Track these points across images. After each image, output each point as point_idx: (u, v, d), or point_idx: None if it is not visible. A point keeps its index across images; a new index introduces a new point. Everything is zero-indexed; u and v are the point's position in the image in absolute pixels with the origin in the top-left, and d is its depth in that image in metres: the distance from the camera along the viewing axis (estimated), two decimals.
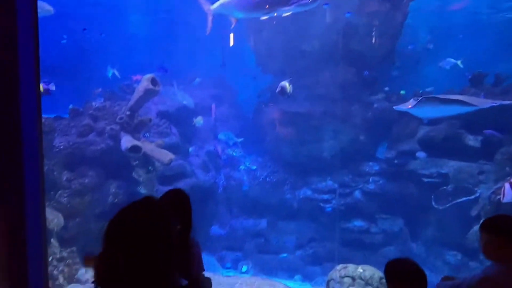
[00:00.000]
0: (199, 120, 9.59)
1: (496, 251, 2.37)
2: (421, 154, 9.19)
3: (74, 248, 6.51)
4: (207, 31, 7.89)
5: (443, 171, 8.64)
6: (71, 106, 8.75)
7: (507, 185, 5.84)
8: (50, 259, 5.74)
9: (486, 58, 12.65)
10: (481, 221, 2.64)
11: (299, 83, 9.79)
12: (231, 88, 12.90)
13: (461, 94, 8.89)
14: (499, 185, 5.84)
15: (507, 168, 7.42)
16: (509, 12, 14.46)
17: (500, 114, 8.23)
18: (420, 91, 9.42)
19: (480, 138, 8.62)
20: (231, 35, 12.61)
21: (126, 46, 13.33)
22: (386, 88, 9.99)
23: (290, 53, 9.85)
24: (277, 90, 7.25)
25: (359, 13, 9.43)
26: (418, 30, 13.13)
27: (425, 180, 8.75)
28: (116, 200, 7.50)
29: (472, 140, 8.59)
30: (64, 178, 7.27)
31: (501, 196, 5.94)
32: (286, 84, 7.05)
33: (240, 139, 9.93)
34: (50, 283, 4.07)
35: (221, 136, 10.10)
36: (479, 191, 7.74)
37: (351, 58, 9.53)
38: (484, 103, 7.33)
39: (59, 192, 7.14)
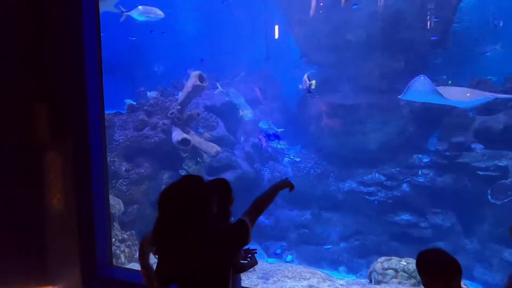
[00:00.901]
0: (247, 114, 9.74)
1: None
2: (477, 146, 8.66)
3: (133, 231, 7.18)
4: (311, 12, 7.33)
5: (501, 164, 8.09)
6: (128, 102, 9.50)
7: None
8: (113, 240, 6.40)
9: None
10: None
11: (344, 74, 9.68)
12: (275, 80, 13.03)
13: None
14: None
15: None
16: None
17: None
18: (449, 82, 8.87)
19: None
20: (276, 28, 12.71)
21: (175, 43, 13.96)
22: (444, 77, 9.47)
23: (335, 43, 9.72)
24: (302, 86, 7.03)
25: None
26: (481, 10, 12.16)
27: (481, 173, 8.24)
28: None
29: None
30: (123, 168, 7.99)
31: None
32: (312, 81, 6.83)
33: (281, 129, 9.98)
34: (114, 261, 4.60)
35: (262, 124, 10.21)
36: None
37: (398, 47, 9.18)
38: (480, 95, 6.62)
39: (119, 181, 7.88)
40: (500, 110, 8.59)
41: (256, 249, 2.97)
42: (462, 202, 8.55)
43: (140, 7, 8.51)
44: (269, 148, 10.80)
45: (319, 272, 5.73)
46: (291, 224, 9.87)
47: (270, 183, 10.60)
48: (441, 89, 7.33)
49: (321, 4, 9.83)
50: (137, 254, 3.59)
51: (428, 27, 9.29)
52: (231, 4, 11.36)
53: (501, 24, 12.82)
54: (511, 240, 2.32)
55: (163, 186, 8.32)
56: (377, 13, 9.02)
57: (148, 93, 9.33)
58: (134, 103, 9.44)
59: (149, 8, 8.55)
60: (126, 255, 6.59)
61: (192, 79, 7.73)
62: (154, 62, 11.30)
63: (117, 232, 6.81)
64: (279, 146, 10.37)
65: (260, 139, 10.86)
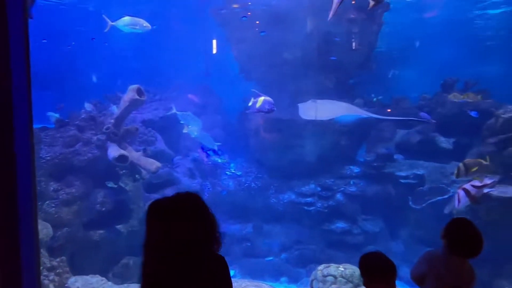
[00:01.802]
0: (193, 131, 9.38)
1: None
2: (398, 156, 9.66)
3: (63, 258, 6.58)
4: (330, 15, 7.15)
5: (419, 172, 9.11)
6: (52, 115, 8.79)
7: (461, 191, 5.97)
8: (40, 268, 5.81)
9: (458, 64, 13.35)
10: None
11: (282, 90, 10.14)
12: (216, 95, 13.13)
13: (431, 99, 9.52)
14: (465, 185, 6.14)
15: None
16: (477, 19, 15.26)
17: (469, 119, 8.80)
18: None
19: (452, 140, 9.15)
20: (214, 43, 12.88)
21: (111, 55, 13.37)
22: (373, 95, 10.46)
23: (272, 61, 10.17)
24: (261, 107, 6.86)
25: (337, 23, 9.84)
26: (394, 37, 13.71)
27: (403, 181, 9.18)
28: (103, 209, 7.61)
29: (444, 143, 9.12)
30: (51, 188, 7.34)
31: (456, 202, 6.05)
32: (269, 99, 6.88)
33: (218, 143, 9.95)
34: None
35: (198, 136, 10.04)
36: (451, 190, 8.20)
37: (330, 66, 9.92)
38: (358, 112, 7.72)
39: (47, 202, 7.20)
40: (416, 124, 9.72)
41: None
42: (388, 208, 9.40)
43: (126, 17, 8.02)
44: (210, 162, 10.78)
45: (263, 285, 5.82)
46: (233, 239, 9.89)
47: (211, 197, 10.57)
48: (322, 105, 8.21)
49: (257, 22, 10.27)
50: (68, 282, 3.29)
51: (354, 48, 10.21)
52: (171, 18, 11.29)
53: (417, 44, 14.66)
54: (441, 239, 2.70)
55: (98, 206, 7.84)
56: (311, 35, 9.67)
57: (86, 103, 8.71)
58: (57, 115, 8.78)
59: (135, 19, 8.02)
60: (56, 284, 6.02)
61: (130, 92, 7.46)
62: (86, 73, 10.65)
63: (44, 260, 6.20)
64: (220, 160, 10.41)
65: (200, 154, 10.80)
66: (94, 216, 7.56)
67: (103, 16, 8.05)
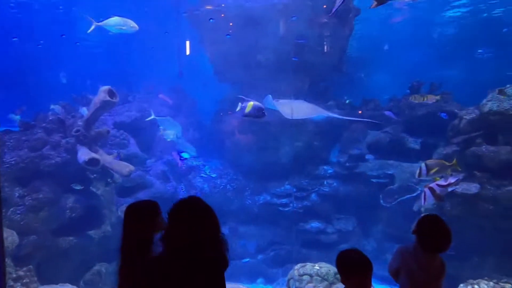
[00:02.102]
0: (169, 134, 9.19)
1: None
2: (369, 157, 9.96)
3: (31, 267, 6.28)
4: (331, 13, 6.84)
5: (389, 172, 9.44)
6: (14, 118, 8.40)
7: (427, 190, 6.27)
8: None
9: (425, 68, 13.97)
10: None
11: (256, 92, 10.19)
12: (190, 96, 13.01)
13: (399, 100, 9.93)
14: (431, 184, 6.44)
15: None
16: (444, 26, 16.06)
17: (436, 120, 9.24)
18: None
19: (419, 140, 9.55)
20: (188, 44, 12.76)
21: (81, 55, 12.93)
22: (345, 97, 10.72)
23: (247, 63, 10.20)
24: (250, 111, 6.73)
25: (310, 26, 10.04)
26: (364, 41, 14.16)
27: (374, 180, 9.48)
28: (74, 215, 7.34)
29: (412, 143, 9.50)
30: (17, 194, 7.00)
31: (422, 200, 6.35)
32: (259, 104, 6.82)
33: (191, 147, 9.84)
34: None
35: (179, 145, 9.97)
36: (419, 188, 8.55)
37: (303, 68, 10.09)
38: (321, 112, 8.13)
39: (11, 209, 6.85)
40: (386, 125, 10.07)
41: None
42: (361, 207, 9.67)
43: (114, 18, 7.70)
44: (184, 165, 10.66)
45: (240, 286, 5.83)
46: None
47: None
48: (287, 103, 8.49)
49: (231, 24, 10.29)
50: None
51: (326, 51, 10.44)
52: (144, 18, 11.06)
53: (386, 47, 15.17)
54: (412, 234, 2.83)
55: (67, 212, 7.56)
56: (284, 37, 9.79)
57: (52, 105, 8.34)
58: (18, 117, 8.39)
59: (123, 19, 7.71)
60: None
61: (101, 94, 7.24)
62: (54, 73, 10.23)
63: (10, 269, 5.89)
64: (194, 162, 10.31)
65: (174, 156, 10.66)
66: (63, 223, 7.28)
67: (87, 17, 7.73)
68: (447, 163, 6.50)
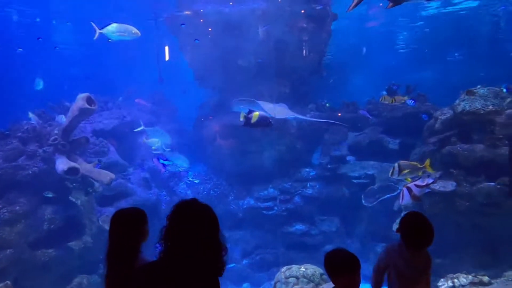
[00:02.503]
0: (154, 142, 9.01)
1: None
2: (350, 158, 10.15)
3: (8, 282, 6.03)
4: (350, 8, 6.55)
5: (369, 172, 9.64)
6: None
7: (404, 189, 6.47)
8: None
9: (402, 70, 14.40)
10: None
11: (237, 97, 10.22)
12: (170, 102, 12.91)
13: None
14: (409, 184, 6.62)
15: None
16: (419, 28, 16.61)
17: (413, 121, 9.53)
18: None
19: (397, 141, 9.82)
20: (167, 50, 12.68)
21: (58, 61, 12.61)
22: (325, 100, 10.90)
23: (227, 68, 10.23)
24: (258, 120, 6.74)
25: (289, 31, 10.17)
26: (342, 45, 14.45)
27: (355, 181, 9.66)
28: (52, 226, 7.12)
29: (391, 144, 9.76)
30: None
31: (400, 199, 6.57)
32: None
33: (168, 149, 9.75)
34: None
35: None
36: (399, 188, 8.75)
37: (284, 73, 10.20)
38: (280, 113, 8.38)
39: None
40: (366, 127, 10.30)
41: None
42: (343, 207, 9.82)
43: (114, 24, 7.57)
44: (166, 171, 10.52)
45: None
46: None
47: (169, 207, 10.29)
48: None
49: (210, 29, 10.30)
50: None
51: (305, 55, 10.59)
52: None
53: (364, 50, 15.51)
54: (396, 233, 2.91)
55: (46, 224, 7.32)
56: (264, 42, 9.88)
57: (29, 113, 8.09)
58: None
59: (124, 26, 7.60)
60: None
61: (79, 101, 7.08)
62: (29, 80, 9.90)
63: None
64: (178, 169, 10.20)
65: (156, 163, 10.50)
66: (41, 235, 7.04)
67: (91, 23, 7.55)
68: (419, 165, 6.70)
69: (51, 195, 7.18)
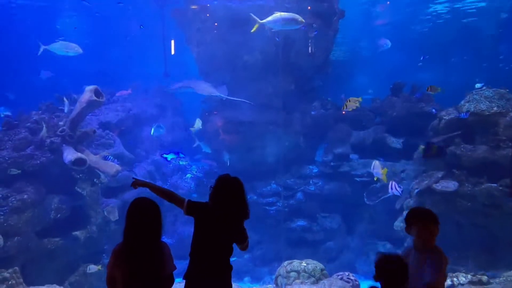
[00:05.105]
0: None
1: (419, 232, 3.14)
2: (354, 156, 10.20)
3: (16, 268, 6.17)
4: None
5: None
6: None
7: (392, 183, 7.57)
8: None
9: (407, 70, 14.36)
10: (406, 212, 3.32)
11: (243, 93, 10.28)
12: (176, 97, 12.96)
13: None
14: (416, 181, 6.75)
15: (423, 166, 8.60)
16: (423, 26, 16.53)
17: (417, 119, 9.55)
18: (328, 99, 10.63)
19: (401, 140, 9.85)
20: (172, 44, 12.72)
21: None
22: (329, 98, 10.93)
23: (233, 63, 10.25)
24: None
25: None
26: (348, 43, 14.45)
27: (358, 179, 9.72)
28: (59, 216, 7.24)
29: (395, 143, 9.79)
30: (0, 195, 6.85)
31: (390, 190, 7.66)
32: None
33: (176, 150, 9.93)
34: None
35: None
36: (402, 187, 8.81)
37: (289, 69, 10.23)
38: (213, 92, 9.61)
39: None
40: (370, 126, 10.34)
41: None
42: (345, 205, 9.90)
43: (59, 42, 8.68)
44: (171, 165, 10.62)
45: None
46: None
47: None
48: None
49: (216, 24, 10.32)
50: None
51: (311, 53, 10.60)
52: (128, 15, 10.99)
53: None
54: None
55: (52, 213, 7.45)
56: (271, 38, 9.90)
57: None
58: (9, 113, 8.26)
59: (68, 44, 8.69)
60: None
61: (87, 93, 7.18)
62: (36, 72, 10.00)
63: None
64: (181, 162, 10.30)
65: (161, 156, 10.60)
66: (48, 224, 7.17)
67: (37, 41, 8.47)
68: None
69: (15, 173, 7.09)
